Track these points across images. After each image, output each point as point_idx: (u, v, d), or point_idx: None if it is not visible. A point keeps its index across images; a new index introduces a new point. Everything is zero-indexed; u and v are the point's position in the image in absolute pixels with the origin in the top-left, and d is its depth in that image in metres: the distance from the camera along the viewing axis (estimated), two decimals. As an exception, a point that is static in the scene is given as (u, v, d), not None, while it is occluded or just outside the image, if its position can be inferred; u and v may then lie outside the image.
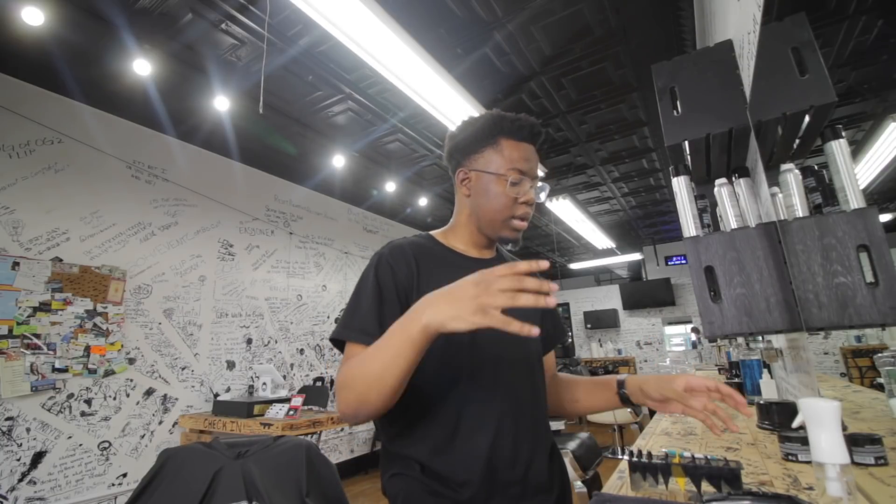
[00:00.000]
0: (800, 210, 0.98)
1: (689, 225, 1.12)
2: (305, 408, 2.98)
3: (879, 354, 1.28)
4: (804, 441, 0.91)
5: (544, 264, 0.57)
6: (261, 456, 1.04)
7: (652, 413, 2.76)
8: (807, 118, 0.99)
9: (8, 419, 2.33)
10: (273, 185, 4.10)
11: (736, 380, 1.97)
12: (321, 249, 4.49)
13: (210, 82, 2.68)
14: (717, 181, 1.17)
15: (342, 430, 4.21)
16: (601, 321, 8.25)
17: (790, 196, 1.00)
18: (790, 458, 0.97)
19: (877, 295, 0.85)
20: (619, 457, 0.89)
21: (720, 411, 0.71)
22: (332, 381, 4.33)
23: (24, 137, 2.59)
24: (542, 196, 0.87)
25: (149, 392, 2.93)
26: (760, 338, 1.94)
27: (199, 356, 3.26)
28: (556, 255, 7.41)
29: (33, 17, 2.08)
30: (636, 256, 7.12)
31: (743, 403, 0.68)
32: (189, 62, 2.52)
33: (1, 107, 2.52)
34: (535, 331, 0.54)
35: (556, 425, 3.35)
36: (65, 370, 2.55)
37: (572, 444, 2.14)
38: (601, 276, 8.79)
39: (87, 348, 2.66)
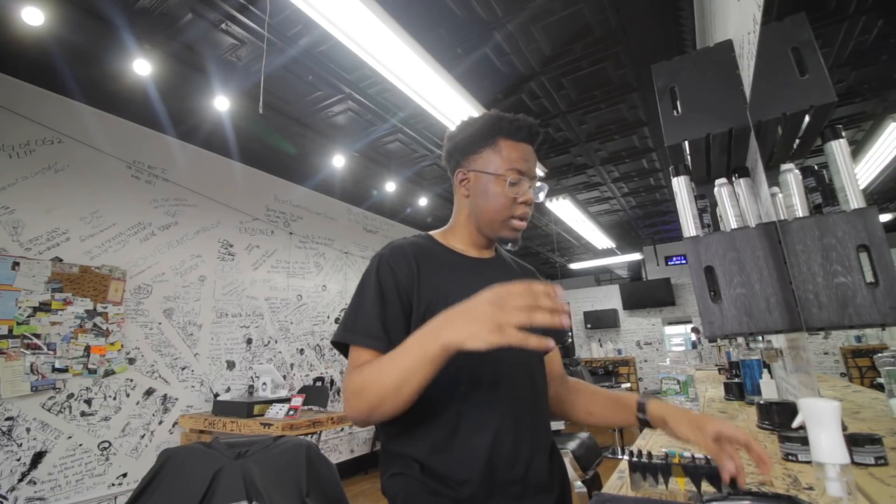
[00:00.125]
0: (800, 210, 0.98)
1: (689, 225, 1.13)
2: (305, 408, 2.98)
3: (879, 354, 1.28)
4: (804, 441, 0.91)
5: (560, 290, 0.59)
6: (261, 456, 1.04)
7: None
8: (807, 118, 0.99)
9: (8, 419, 2.33)
10: (273, 185, 4.10)
11: (736, 380, 1.97)
12: (321, 249, 4.49)
13: (210, 82, 2.68)
14: (717, 181, 1.17)
15: (342, 430, 4.21)
16: (601, 321, 8.25)
17: (790, 196, 1.00)
18: (790, 458, 0.97)
19: (877, 295, 0.85)
20: (619, 457, 0.89)
21: (742, 473, 0.66)
22: (332, 382, 4.34)
23: (24, 137, 2.59)
24: (541, 196, 0.87)
25: (149, 392, 2.93)
26: (760, 338, 1.94)
27: (199, 356, 3.26)
28: (556, 255, 7.41)
29: (33, 17, 2.08)
30: (636, 256, 7.12)
31: (768, 467, 0.64)
32: (189, 62, 2.52)
33: (1, 107, 2.52)
34: (550, 343, 0.57)
35: (556, 425, 3.35)
36: (65, 370, 2.55)
37: (572, 444, 2.14)
38: (601, 276, 8.79)
39: (87, 348, 2.66)
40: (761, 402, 1.35)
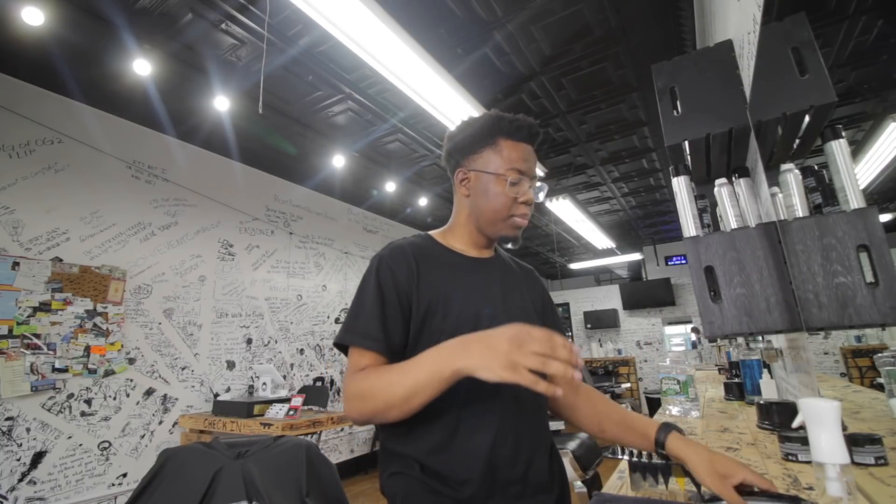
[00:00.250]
0: (800, 210, 0.98)
1: (689, 225, 1.13)
2: (305, 408, 2.98)
3: (879, 354, 1.28)
4: (804, 441, 0.91)
5: (577, 349, 0.61)
6: (261, 456, 1.04)
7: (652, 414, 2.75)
8: (807, 118, 0.99)
9: (8, 419, 2.33)
10: (273, 185, 4.10)
11: (736, 380, 1.97)
12: (321, 249, 4.49)
13: (210, 82, 2.68)
14: (717, 181, 1.17)
15: (342, 430, 4.21)
16: (601, 321, 8.25)
17: (790, 196, 1.00)
18: (790, 458, 0.97)
19: (877, 295, 0.85)
20: (619, 457, 0.89)
21: None
22: (332, 382, 4.34)
23: (24, 137, 2.59)
24: (541, 196, 0.88)
25: (149, 392, 2.93)
26: (760, 338, 1.94)
27: (199, 356, 3.26)
28: (556, 255, 7.41)
29: (33, 17, 2.08)
30: (636, 256, 7.12)
31: None
32: (189, 62, 2.52)
33: (1, 107, 2.52)
34: (558, 392, 0.59)
35: (555, 425, 3.35)
36: (65, 370, 2.55)
37: (572, 444, 2.14)
38: (601, 276, 8.79)
39: (87, 348, 2.66)
40: (761, 402, 1.35)
